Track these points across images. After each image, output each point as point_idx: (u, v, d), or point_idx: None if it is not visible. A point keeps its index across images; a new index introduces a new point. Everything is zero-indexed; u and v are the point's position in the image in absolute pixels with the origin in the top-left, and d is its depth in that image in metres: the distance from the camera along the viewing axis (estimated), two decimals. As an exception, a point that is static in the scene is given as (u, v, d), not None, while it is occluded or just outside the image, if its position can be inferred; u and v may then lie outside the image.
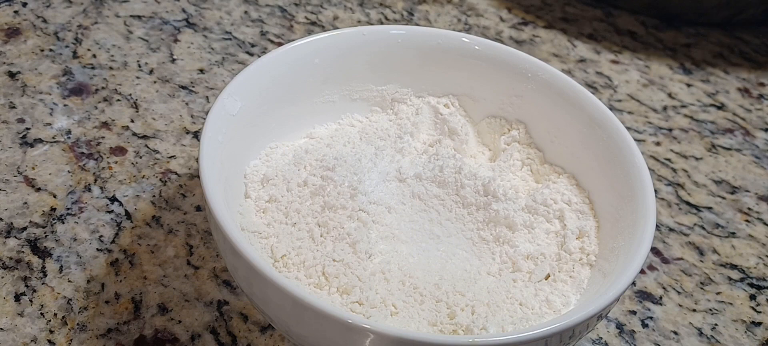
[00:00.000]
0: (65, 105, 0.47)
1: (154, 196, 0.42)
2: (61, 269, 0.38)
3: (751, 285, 0.43)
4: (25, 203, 0.41)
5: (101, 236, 0.40)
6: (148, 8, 0.56)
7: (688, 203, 0.48)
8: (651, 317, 0.40)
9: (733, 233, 0.46)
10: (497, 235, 0.37)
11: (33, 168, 0.43)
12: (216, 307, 0.37)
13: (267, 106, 0.39)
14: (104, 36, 0.53)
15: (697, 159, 0.51)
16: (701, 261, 0.44)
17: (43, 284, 0.37)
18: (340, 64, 0.41)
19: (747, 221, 0.47)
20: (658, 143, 0.52)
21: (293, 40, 0.42)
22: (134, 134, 0.46)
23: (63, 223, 0.40)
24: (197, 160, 0.42)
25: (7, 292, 0.36)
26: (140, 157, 0.44)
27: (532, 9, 0.65)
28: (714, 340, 0.39)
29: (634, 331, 0.39)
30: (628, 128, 0.39)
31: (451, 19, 0.62)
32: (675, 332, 0.40)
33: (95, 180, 0.42)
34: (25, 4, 0.55)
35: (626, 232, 0.34)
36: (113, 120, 0.46)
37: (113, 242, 0.39)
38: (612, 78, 0.58)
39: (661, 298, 0.41)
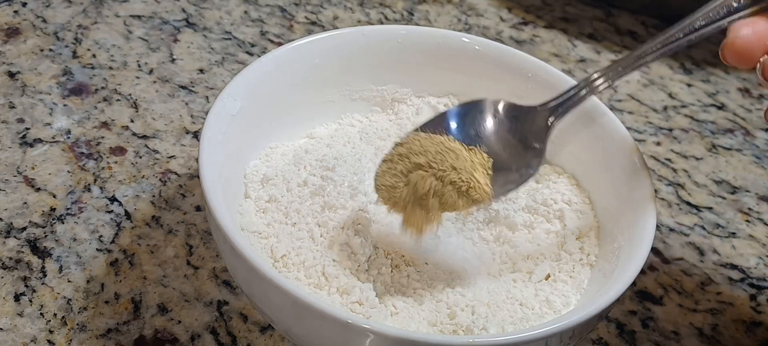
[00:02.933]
0: (65, 105, 0.47)
1: (154, 196, 0.42)
2: (60, 269, 0.38)
3: (752, 285, 0.43)
4: (25, 203, 0.41)
5: (101, 236, 0.40)
6: (148, 8, 0.56)
7: (688, 203, 0.48)
8: (651, 317, 0.40)
9: (733, 233, 0.46)
10: (497, 235, 0.37)
11: (33, 168, 0.43)
12: (216, 307, 0.37)
13: (267, 106, 0.39)
14: (104, 36, 0.53)
15: (697, 159, 0.51)
16: (701, 261, 0.44)
17: (42, 284, 0.37)
18: (340, 64, 0.41)
19: (747, 221, 0.47)
20: (658, 143, 0.52)
21: (293, 40, 0.41)
22: (134, 134, 0.46)
23: (63, 223, 0.40)
24: (197, 160, 0.42)
25: (7, 292, 0.36)
26: (140, 157, 0.44)
27: (532, 9, 0.65)
28: (714, 340, 0.39)
29: (634, 331, 0.39)
30: (628, 128, 0.39)
31: (451, 19, 0.62)
32: (675, 332, 0.39)
33: (95, 180, 0.42)
34: (25, 4, 0.55)
35: (626, 232, 0.34)
36: (113, 120, 0.46)
37: (113, 242, 0.39)
38: (612, 78, 0.58)
39: (661, 298, 0.41)
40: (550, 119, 0.36)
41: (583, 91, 0.35)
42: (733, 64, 0.32)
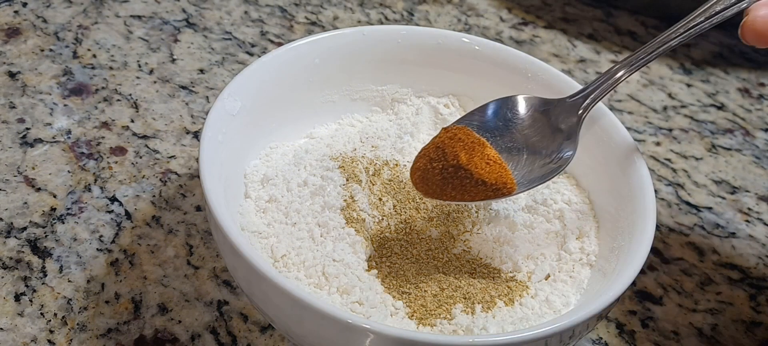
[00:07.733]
0: (65, 105, 0.47)
1: (154, 196, 0.42)
2: (61, 269, 0.38)
3: (751, 285, 0.43)
4: (25, 203, 0.41)
5: (101, 236, 0.40)
6: (148, 8, 0.56)
7: (688, 203, 0.48)
8: (651, 317, 0.40)
9: (733, 233, 0.46)
10: (497, 235, 0.37)
11: (33, 168, 0.43)
12: (216, 307, 0.37)
13: (267, 106, 0.39)
14: (104, 36, 0.53)
15: (697, 159, 0.51)
16: (701, 261, 0.44)
17: (43, 284, 0.37)
18: (340, 64, 0.41)
19: (747, 221, 0.47)
20: (658, 143, 0.52)
21: (293, 40, 0.42)
22: (134, 134, 0.46)
23: (63, 223, 0.40)
24: (197, 160, 0.42)
25: (7, 292, 0.36)
26: (140, 157, 0.44)
27: (532, 9, 0.65)
28: (714, 340, 0.39)
29: (634, 331, 0.39)
30: (628, 128, 0.39)
31: (451, 19, 0.62)
32: (675, 332, 0.40)
33: (95, 180, 0.42)
34: (25, 4, 0.55)
35: (626, 232, 0.34)
36: (113, 120, 0.46)
37: (113, 242, 0.39)
38: (612, 78, 0.58)
39: (661, 298, 0.41)
40: (581, 112, 0.37)
41: (609, 82, 0.36)
42: (752, 43, 0.33)
